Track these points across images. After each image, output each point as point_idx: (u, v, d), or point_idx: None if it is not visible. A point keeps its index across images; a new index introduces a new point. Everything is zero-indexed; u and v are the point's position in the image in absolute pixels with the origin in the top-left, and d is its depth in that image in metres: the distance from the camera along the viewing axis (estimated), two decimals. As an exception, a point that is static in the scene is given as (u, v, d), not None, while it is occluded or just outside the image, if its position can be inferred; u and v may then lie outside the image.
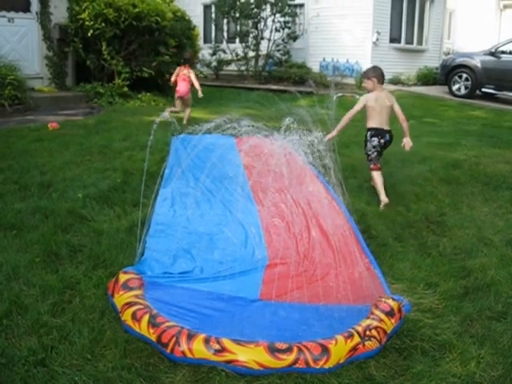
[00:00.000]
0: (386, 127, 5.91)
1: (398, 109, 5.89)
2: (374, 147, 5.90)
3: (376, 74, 5.94)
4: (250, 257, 4.28)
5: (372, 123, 5.93)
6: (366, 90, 6.25)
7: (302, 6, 19.60)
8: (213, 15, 19.93)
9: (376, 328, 3.18)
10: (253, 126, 4.90)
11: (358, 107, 5.92)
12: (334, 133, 5.84)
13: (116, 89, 12.22)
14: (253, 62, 18.71)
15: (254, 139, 5.06)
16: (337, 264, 4.13)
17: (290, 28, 18.46)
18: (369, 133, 5.96)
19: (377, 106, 5.85)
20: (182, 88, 9.46)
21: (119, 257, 4.15)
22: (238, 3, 17.71)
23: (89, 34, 11.89)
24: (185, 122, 9.30)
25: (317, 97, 11.37)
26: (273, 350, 2.94)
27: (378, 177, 5.83)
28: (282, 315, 3.53)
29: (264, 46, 18.47)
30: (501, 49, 14.92)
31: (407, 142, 5.83)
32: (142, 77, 12.51)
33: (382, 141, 5.90)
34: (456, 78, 15.78)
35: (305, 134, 4.40)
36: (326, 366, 2.95)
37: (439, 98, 15.72)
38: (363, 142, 6.06)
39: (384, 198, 5.66)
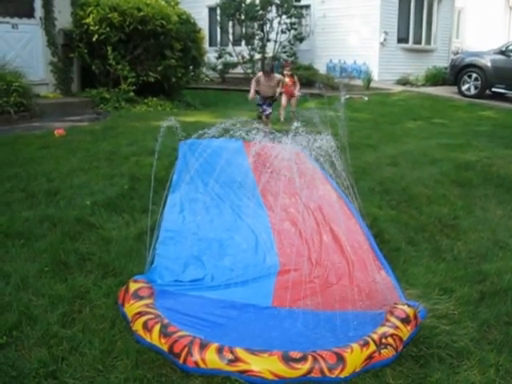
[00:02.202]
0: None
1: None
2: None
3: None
4: (261, 263, 4.21)
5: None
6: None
7: (308, 7, 19.59)
8: (218, 18, 19.93)
9: (392, 335, 3.12)
10: (260, 129, 4.85)
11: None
12: (278, 91, 9.71)
13: (122, 94, 12.14)
14: (259, 65, 18.68)
15: (263, 142, 5.00)
16: (349, 270, 4.08)
17: (296, 29, 18.46)
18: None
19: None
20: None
21: (129, 265, 4.09)
22: (243, 5, 17.72)
23: (94, 39, 11.85)
24: (282, 118, 11.08)
25: (325, 99, 11.30)
26: (287, 360, 2.88)
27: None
28: (295, 323, 3.46)
29: (270, 48, 18.47)
30: (511, 47, 14.79)
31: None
32: (148, 81, 12.46)
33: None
34: (465, 77, 15.67)
35: (314, 137, 4.33)
36: (342, 375, 2.89)
37: (448, 99, 15.62)
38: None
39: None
